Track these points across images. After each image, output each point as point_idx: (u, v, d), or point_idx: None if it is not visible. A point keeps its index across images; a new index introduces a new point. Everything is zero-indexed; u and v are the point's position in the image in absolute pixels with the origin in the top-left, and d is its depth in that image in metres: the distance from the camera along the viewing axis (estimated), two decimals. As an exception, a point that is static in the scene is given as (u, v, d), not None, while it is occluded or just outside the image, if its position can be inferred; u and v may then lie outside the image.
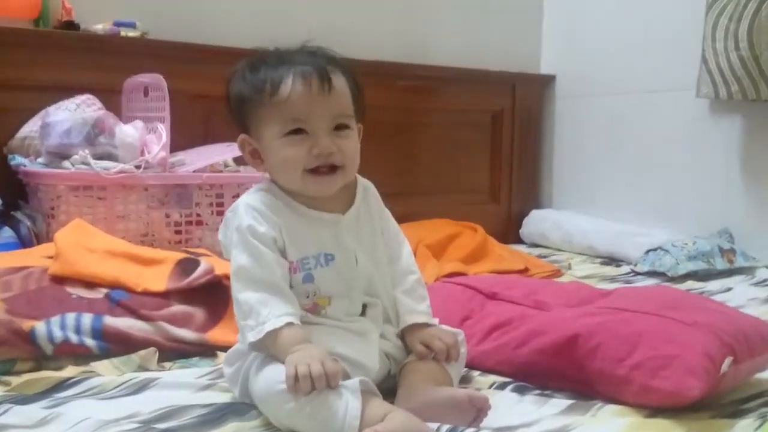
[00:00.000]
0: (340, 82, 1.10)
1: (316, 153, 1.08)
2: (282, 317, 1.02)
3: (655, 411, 1.09)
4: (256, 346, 1.04)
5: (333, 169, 1.10)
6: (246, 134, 1.14)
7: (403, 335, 1.17)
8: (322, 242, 1.12)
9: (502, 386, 1.21)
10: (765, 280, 2.20)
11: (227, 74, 1.15)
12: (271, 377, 1.00)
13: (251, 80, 1.11)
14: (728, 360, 1.09)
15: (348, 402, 0.94)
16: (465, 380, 1.24)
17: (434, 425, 0.96)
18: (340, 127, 1.10)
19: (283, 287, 1.06)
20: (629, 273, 2.34)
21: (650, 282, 2.19)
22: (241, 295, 1.06)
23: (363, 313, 1.15)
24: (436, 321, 1.19)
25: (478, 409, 1.00)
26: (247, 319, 1.04)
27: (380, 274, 1.17)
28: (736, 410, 1.12)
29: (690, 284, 2.14)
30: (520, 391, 1.19)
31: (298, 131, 1.08)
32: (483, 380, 1.24)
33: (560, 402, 1.14)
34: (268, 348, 1.03)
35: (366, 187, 1.20)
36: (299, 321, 1.04)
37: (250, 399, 1.08)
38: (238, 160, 2.04)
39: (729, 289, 2.09)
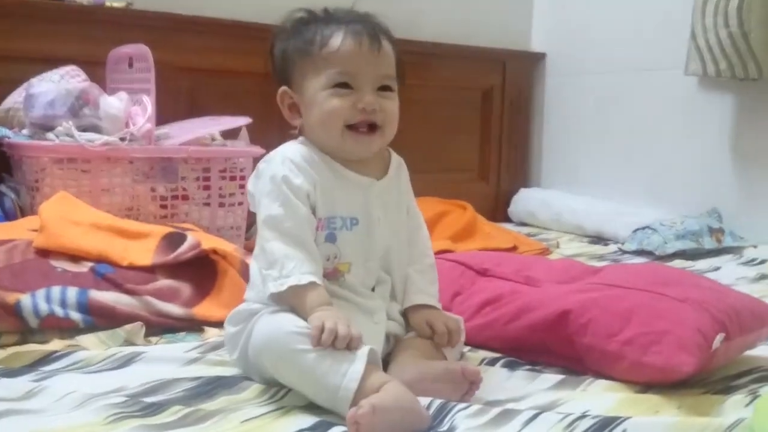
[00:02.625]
0: (387, 46, 1.11)
1: (360, 107, 1.07)
2: (306, 275, 1.02)
3: (646, 387, 1.09)
4: (275, 297, 1.04)
5: (372, 129, 1.10)
6: (287, 87, 1.13)
7: (405, 312, 1.17)
8: (352, 205, 1.11)
9: (492, 362, 1.21)
10: (753, 260, 2.20)
11: (274, 30, 1.15)
12: (286, 321, 1.00)
13: (301, 32, 1.11)
14: (720, 336, 1.09)
15: (352, 363, 0.94)
16: (456, 356, 1.23)
17: (426, 400, 0.95)
18: (384, 89, 1.10)
19: (309, 244, 1.06)
20: (617, 252, 2.35)
21: (638, 261, 2.19)
22: (269, 244, 1.05)
23: (372, 290, 1.15)
24: (440, 306, 1.19)
25: (470, 383, 1.00)
26: (271, 269, 1.04)
27: (398, 248, 1.17)
28: (727, 386, 1.12)
29: (678, 263, 2.14)
30: (511, 366, 1.19)
31: (343, 85, 1.08)
32: (474, 356, 1.24)
33: (550, 377, 1.13)
34: (288, 301, 1.03)
35: (400, 163, 1.21)
36: (321, 282, 1.04)
37: (246, 363, 1.08)
38: (225, 134, 2.01)
39: (717, 269, 2.10)
